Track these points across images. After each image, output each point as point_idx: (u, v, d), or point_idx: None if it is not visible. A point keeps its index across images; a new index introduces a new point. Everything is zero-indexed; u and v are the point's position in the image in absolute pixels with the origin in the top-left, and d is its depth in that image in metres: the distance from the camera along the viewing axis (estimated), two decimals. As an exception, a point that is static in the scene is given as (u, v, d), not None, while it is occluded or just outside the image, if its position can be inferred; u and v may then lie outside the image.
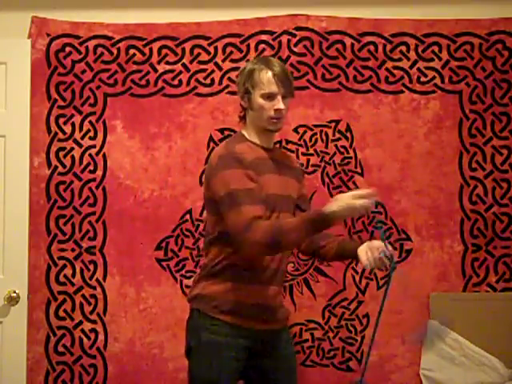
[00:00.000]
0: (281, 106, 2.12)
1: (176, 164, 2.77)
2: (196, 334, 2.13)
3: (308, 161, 2.79)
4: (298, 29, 2.81)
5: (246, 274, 2.10)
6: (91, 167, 2.79)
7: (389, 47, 2.81)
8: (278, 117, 2.14)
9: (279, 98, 2.12)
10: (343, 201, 1.96)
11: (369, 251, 2.09)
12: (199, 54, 2.81)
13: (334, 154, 2.80)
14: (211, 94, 2.79)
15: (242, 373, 2.15)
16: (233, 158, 2.07)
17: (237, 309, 2.10)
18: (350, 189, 2.78)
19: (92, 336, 2.74)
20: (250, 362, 2.14)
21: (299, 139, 2.79)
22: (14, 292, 2.64)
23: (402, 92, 2.81)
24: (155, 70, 2.81)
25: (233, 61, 2.80)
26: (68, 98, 2.80)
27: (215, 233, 2.13)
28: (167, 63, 2.81)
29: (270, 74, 2.12)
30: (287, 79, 2.15)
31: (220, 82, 2.80)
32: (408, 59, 2.81)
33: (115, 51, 2.81)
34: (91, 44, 2.81)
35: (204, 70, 2.80)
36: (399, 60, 2.81)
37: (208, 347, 2.09)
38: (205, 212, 2.56)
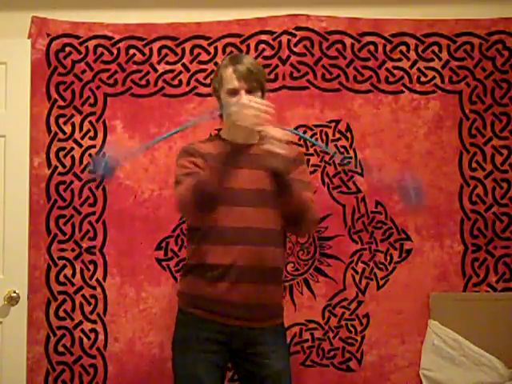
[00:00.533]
0: (244, 100, 2.08)
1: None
2: (176, 329, 2.20)
3: (308, 161, 2.79)
4: (298, 29, 2.81)
5: (212, 270, 2.11)
6: (91, 167, 2.79)
7: (389, 47, 2.81)
8: None
9: (242, 92, 2.11)
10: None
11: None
12: (199, 54, 2.81)
13: (334, 153, 2.80)
14: (211, 94, 2.78)
15: (236, 368, 2.20)
16: (184, 152, 2.19)
17: (206, 304, 2.11)
18: (349, 189, 2.78)
19: (92, 336, 2.74)
20: (234, 359, 2.16)
21: (299, 139, 2.79)
22: (14, 292, 2.64)
23: (402, 92, 2.81)
24: (155, 70, 2.81)
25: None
26: (68, 98, 2.80)
27: (188, 229, 2.23)
28: (167, 63, 2.81)
29: (231, 70, 2.14)
30: (250, 74, 2.13)
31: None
32: (408, 59, 2.81)
33: (115, 51, 2.81)
34: (91, 44, 2.81)
35: (204, 70, 2.80)
36: (399, 60, 2.81)
37: (183, 342, 2.15)
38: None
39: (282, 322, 2.27)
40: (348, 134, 2.80)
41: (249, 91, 2.12)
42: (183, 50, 2.81)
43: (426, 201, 2.11)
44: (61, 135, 2.80)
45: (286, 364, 2.21)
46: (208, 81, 2.79)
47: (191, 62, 2.81)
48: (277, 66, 2.80)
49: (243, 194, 2.13)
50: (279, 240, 2.20)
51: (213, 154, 2.11)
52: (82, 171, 2.77)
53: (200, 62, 2.81)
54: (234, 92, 2.13)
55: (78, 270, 2.76)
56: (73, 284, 2.76)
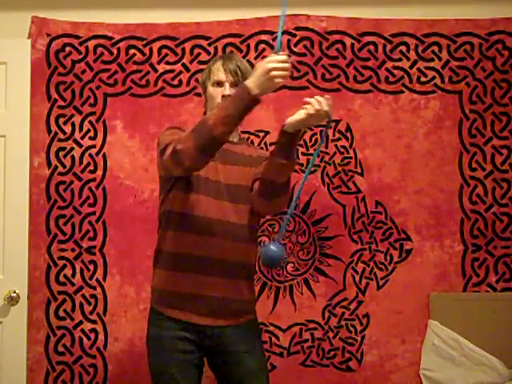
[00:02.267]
0: (227, 91, 2.13)
1: (176, 164, 2.77)
2: (148, 328, 2.19)
3: (308, 161, 2.79)
4: (298, 29, 2.81)
5: (180, 262, 2.09)
6: (91, 167, 2.79)
7: (389, 47, 2.81)
8: None
9: (227, 85, 2.14)
10: (258, 74, 1.86)
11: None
12: (199, 54, 2.81)
13: (334, 153, 2.80)
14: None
15: (212, 367, 2.18)
16: (169, 127, 2.23)
17: (172, 300, 2.11)
18: (349, 189, 2.78)
19: (92, 336, 2.74)
20: (209, 358, 2.15)
21: (299, 139, 2.79)
22: (14, 292, 2.64)
23: (402, 92, 2.81)
24: (155, 70, 2.81)
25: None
26: (68, 98, 2.80)
27: (161, 214, 2.22)
28: (167, 63, 2.81)
29: (219, 63, 2.18)
30: (238, 69, 2.16)
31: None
32: (408, 59, 2.81)
33: (115, 51, 2.81)
34: (91, 44, 2.81)
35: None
36: (399, 60, 2.81)
37: (153, 341, 2.15)
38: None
39: (255, 318, 2.23)
40: (348, 134, 2.80)
41: (233, 86, 2.14)
42: (183, 49, 2.81)
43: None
44: (61, 135, 2.80)
45: (261, 362, 2.18)
46: (208, 81, 2.79)
47: (191, 62, 2.81)
48: (277, 65, 2.80)
49: (220, 188, 2.13)
50: (252, 236, 2.19)
51: None
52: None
53: (200, 62, 2.81)
54: (219, 83, 2.16)
55: (78, 270, 2.76)
56: (73, 284, 2.76)
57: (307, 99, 1.98)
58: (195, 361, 2.12)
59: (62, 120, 2.80)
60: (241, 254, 2.14)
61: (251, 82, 1.87)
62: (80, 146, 2.80)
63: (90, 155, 2.80)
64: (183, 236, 2.11)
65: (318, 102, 1.96)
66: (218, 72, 2.17)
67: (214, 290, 2.09)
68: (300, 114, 1.99)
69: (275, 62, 1.85)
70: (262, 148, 2.79)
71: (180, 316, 2.10)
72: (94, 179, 2.79)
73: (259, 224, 2.31)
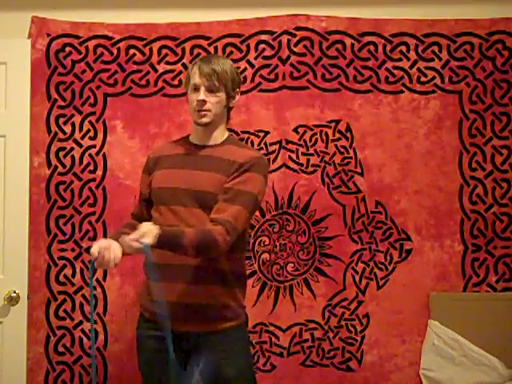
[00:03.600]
0: (201, 96, 2.13)
1: (176, 164, 2.77)
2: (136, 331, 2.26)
3: (308, 161, 2.79)
4: (298, 29, 2.81)
5: (152, 272, 2.05)
6: (91, 167, 2.79)
7: (389, 47, 2.81)
8: (200, 109, 2.14)
9: (202, 89, 2.14)
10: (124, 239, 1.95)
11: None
12: (199, 54, 2.81)
13: (334, 153, 2.80)
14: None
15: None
16: (145, 163, 2.33)
17: (148, 305, 2.17)
18: (349, 189, 2.78)
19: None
20: (188, 359, 2.14)
21: (299, 139, 2.79)
22: (14, 292, 2.64)
23: (402, 92, 2.81)
24: (155, 70, 2.81)
25: (233, 61, 2.78)
26: (68, 98, 2.80)
27: None
28: (167, 63, 2.81)
29: (195, 67, 2.18)
30: (213, 72, 2.14)
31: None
32: (408, 59, 2.81)
33: (115, 51, 2.81)
34: (91, 44, 2.81)
35: (204, 70, 2.80)
36: (399, 60, 2.81)
37: (139, 342, 2.22)
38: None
39: (240, 324, 2.18)
40: (348, 134, 2.80)
41: (209, 90, 2.14)
42: (183, 50, 2.81)
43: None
44: (61, 135, 2.80)
45: (241, 370, 2.13)
46: (208, 81, 2.79)
47: (191, 62, 2.80)
48: (277, 65, 2.80)
49: (181, 195, 2.13)
50: None
51: (165, 156, 2.24)
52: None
53: (200, 62, 2.80)
54: (196, 88, 2.16)
55: (77, 270, 2.76)
56: (73, 284, 2.76)
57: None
58: (178, 361, 2.09)
59: (62, 120, 2.80)
60: (210, 259, 2.10)
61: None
62: (80, 145, 2.80)
63: (90, 155, 2.80)
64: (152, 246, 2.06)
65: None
66: (194, 76, 2.17)
67: (183, 296, 2.09)
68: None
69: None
70: (261, 148, 2.78)
71: (156, 319, 2.08)
72: (93, 179, 2.79)
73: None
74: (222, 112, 2.20)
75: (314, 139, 2.80)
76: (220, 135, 2.23)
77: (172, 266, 2.10)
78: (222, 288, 2.12)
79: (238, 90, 2.23)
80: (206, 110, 2.14)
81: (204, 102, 2.13)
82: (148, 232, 1.93)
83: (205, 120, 2.16)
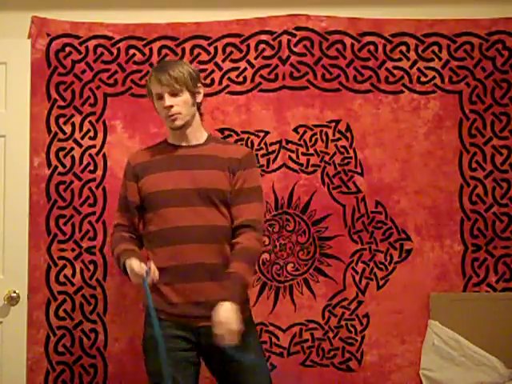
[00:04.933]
0: (167, 102, 2.18)
1: (176, 164, 2.76)
2: (144, 329, 2.24)
3: (308, 161, 2.79)
4: (298, 29, 2.81)
5: (163, 274, 2.14)
6: (91, 167, 2.79)
7: (389, 47, 2.81)
8: (170, 114, 2.19)
9: (166, 96, 2.19)
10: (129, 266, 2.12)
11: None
12: (199, 54, 2.81)
13: (334, 153, 2.80)
14: (211, 94, 2.79)
15: (209, 365, 2.22)
16: (125, 170, 2.34)
17: (166, 308, 2.16)
18: (349, 189, 2.78)
19: (92, 336, 2.74)
20: (205, 356, 2.17)
21: (299, 139, 2.79)
22: (14, 292, 2.64)
23: (402, 92, 2.81)
24: (155, 70, 2.81)
25: (233, 61, 2.80)
26: (68, 98, 2.80)
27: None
28: (167, 63, 2.81)
29: (152, 77, 2.23)
30: (168, 76, 2.18)
31: (220, 82, 2.80)
32: (408, 59, 2.81)
33: (115, 51, 2.81)
34: (91, 44, 2.81)
35: (204, 70, 2.80)
36: (399, 60, 2.81)
37: (149, 341, 2.18)
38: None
39: (247, 317, 2.20)
40: (348, 134, 2.80)
41: (172, 94, 2.19)
42: (183, 49, 2.81)
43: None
44: (61, 135, 2.80)
45: (257, 357, 2.20)
46: (208, 81, 2.79)
47: (191, 62, 2.80)
48: (277, 65, 2.80)
49: (183, 195, 2.17)
50: (224, 237, 2.19)
51: (150, 161, 2.27)
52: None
53: (200, 62, 2.81)
54: (159, 97, 2.22)
55: (78, 270, 2.76)
56: (73, 284, 2.76)
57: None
58: (191, 359, 2.15)
59: (62, 120, 2.80)
60: (220, 256, 2.17)
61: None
62: (80, 146, 2.80)
63: (90, 155, 2.80)
64: (162, 250, 2.18)
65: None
66: (153, 86, 2.22)
67: (199, 294, 2.14)
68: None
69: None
70: (261, 148, 2.78)
71: (176, 320, 2.14)
72: (93, 179, 2.79)
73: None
74: (193, 110, 2.26)
75: (313, 139, 2.80)
76: (200, 134, 2.30)
77: (187, 266, 2.14)
78: (212, 283, 2.17)
79: (199, 84, 2.28)
80: (176, 114, 2.20)
81: (171, 106, 2.19)
82: (232, 319, 2.02)
83: (178, 123, 2.22)
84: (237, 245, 2.15)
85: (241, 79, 2.80)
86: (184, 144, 2.28)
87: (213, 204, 2.19)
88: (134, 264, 2.10)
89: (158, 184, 2.22)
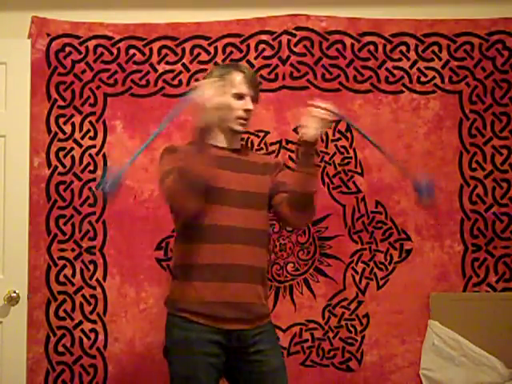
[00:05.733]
0: (250, 106, 2.19)
1: (176, 164, 2.76)
2: (170, 333, 2.17)
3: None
4: (298, 29, 2.81)
5: (199, 272, 2.11)
6: (91, 167, 2.79)
7: (389, 47, 2.81)
8: (247, 117, 2.20)
9: (248, 99, 2.19)
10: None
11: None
12: (199, 54, 2.81)
13: (334, 153, 2.80)
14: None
15: (227, 372, 2.18)
16: (166, 150, 2.22)
17: (198, 308, 2.11)
18: (349, 189, 2.78)
19: (92, 336, 2.74)
20: (230, 361, 2.14)
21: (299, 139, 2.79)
22: (14, 292, 2.64)
23: (402, 92, 2.81)
24: (155, 70, 2.81)
25: (233, 61, 2.79)
26: (68, 98, 2.80)
27: (174, 232, 2.23)
28: (167, 63, 2.81)
29: (240, 75, 2.20)
30: (255, 84, 2.24)
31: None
32: (408, 59, 2.81)
33: (115, 51, 2.81)
34: (91, 44, 2.81)
35: (204, 70, 2.79)
36: (399, 60, 2.81)
37: (181, 344, 2.12)
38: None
39: (270, 320, 2.26)
40: (348, 134, 2.80)
41: (252, 100, 2.21)
42: (183, 49, 2.81)
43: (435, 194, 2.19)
44: (61, 135, 2.80)
45: (282, 361, 2.22)
46: (208, 81, 2.79)
47: (191, 62, 2.81)
48: (277, 65, 2.80)
49: (234, 195, 2.16)
50: (264, 241, 2.23)
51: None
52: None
53: (200, 62, 2.81)
54: (241, 96, 2.19)
55: (77, 270, 2.76)
56: (73, 284, 2.76)
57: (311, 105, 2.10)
58: (219, 365, 2.12)
59: (62, 120, 2.80)
60: (259, 258, 2.19)
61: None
62: (80, 146, 2.80)
63: (90, 155, 2.80)
64: (207, 247, 2.14)
65: (318, 112, 2.09)
66: (241, 85, 2.18)
67: (238, 296, 2.12)
68: (311, 126, 2.12)
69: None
70: (261, 148, 2.79)
71: (208, 322, 2.10)
72: (93, 179, 2.79)
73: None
74: None
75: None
76: (238, 142, 2.30)
77: (230, 266, 2.12)
78: (261, 287, 2.20)
79: None
80: (248, 119, 2.21)
81: (251, 111, 2.20)
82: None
83: (245, 128, 2.24)
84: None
85: (241, 79, 2.80)
86: (228, 146, 2.24)
87: (259, 208, 2.20)
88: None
89: (220, 181, 2.15)
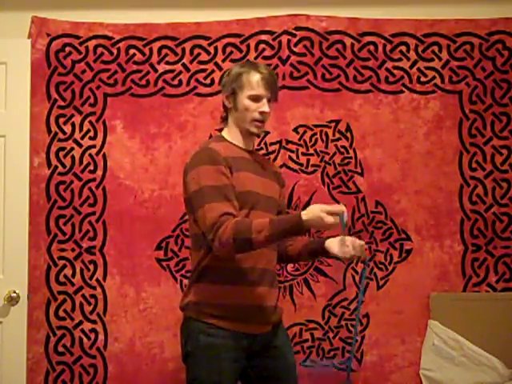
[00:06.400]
0: (266, 108, 2.14)
1: (176, 164, 2.76)
2: (193, 338, 2.09)
3: (308, 161, 2.79)
4: (298, 29, 2.81)
5: (231, 275, 2.08)
6: (91, 167, 2.79)
7: (389, 47, 2.81)
8: (263, 119, 2.16)
9: (265, 101, 2.14)
10: (315, 213, 1.93)
11: (342, 242, 2.12)
12: (199, 54, 2.81)
13: (334, 154, 2.80)
14: (211, 94, 2.79)
15: (241, 373, 2.14)
16: (206, 155, 2.07)
17: (226, 313, 2.07)
18: (349, 189, 2.78)
19: (92, 336, 2.74)
20: (249, 362, 2.13)
21: (299, 139, 2.79)
22: (14, 292, 2.64)
23: (402, 92, 2.81)
24: (155, 70, 2.81)
25: (233, 61, 2.79)
26: (68, 98, 2.80)
27: (197, 234, 2.11)
28: (167, 63, 2.81)
29: (258, 76, 2.14)
30: (274, 84, 2.17)
31: (220, 82, 2.79)
32: (408, 59, 2.81)
33: (115, 51, 2.81)
34: (91, 44, 2.81)
35: (204, 70, 2.80)
36: (399, 60, 2.81)
37: (207, 350, 2.07)
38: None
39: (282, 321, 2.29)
40: (348, 134, 2.80)
41: (269, 100, 2.15)
42: (183, 49, 2.81)
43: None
44: (61, 135, 2.80)
45: (294, 358, 2.28)
46: (208, 81, 2.79)
47: (191, 62, 2.81)
48: (277, 65, 2.80)
49: (260, 199, 2.14)
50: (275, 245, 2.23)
51: (234, 157, 2.11)
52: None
53: (200, 62, 2.81)
54: (257, 98, 2.13)
55: (77, 270, 2.76)
56: (73, 284, 2.76)
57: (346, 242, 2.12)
58: (240, 370, 2.11)
59: (62, 120, 2.80)
60: (275, 262, 2.23)
61: (305, 215, 1.93)
62: (80, 146, 2.80)
63: (90, 155, 2.80)
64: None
65: (353, 248, 2.10)
66: (258, 87, 2.13)
67: (261, 299, 2.11)
68: (339, 250, 2.13)
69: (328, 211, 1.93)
70: (261, 148, 2.79)
71: (236, 327, 2.07)
72: (93, 179, 2.79)
73: None
74: None
75: (313, 139, 2.80)
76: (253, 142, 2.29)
77: (260, 270, 2.12)
78: (277, 290, 2.23)
79: None
80: (265, 121, 2.17)
81: (268, 114, 2.16)
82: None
83: (262, 130, 2.21)
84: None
85: (241, 79, 2.80)
86: (248, 149, 2.21)
87: (273, 213, 2.19)
88: (324, 205, 1.96)
89: (250, 184, 2.12)
